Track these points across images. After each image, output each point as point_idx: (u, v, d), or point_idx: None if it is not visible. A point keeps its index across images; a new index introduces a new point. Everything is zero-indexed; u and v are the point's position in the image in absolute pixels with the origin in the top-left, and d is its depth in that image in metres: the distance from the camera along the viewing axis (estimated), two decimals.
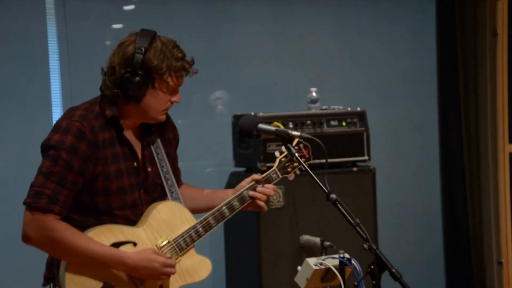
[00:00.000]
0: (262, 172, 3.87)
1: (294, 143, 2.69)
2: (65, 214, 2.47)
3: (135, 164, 2.58)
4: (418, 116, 4.83)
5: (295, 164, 2.73)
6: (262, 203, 2.67)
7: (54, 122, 4.08)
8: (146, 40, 2.51)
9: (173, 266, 2.52)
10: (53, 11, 4.12)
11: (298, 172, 2.77)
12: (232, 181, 4.20)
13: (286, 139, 2.50)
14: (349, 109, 4.12)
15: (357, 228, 2.32)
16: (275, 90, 4.54)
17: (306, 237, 3.92)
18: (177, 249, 2.58)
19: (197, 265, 2.62)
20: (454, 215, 4.76)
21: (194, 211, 2.70)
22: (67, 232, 2.44)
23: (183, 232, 2.59)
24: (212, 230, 2.63)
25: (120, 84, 2.50)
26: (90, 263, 2.46)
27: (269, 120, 3.91)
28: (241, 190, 2.67)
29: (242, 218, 3.98)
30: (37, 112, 4.08)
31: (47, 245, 2.45)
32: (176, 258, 2.58)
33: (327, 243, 3.81)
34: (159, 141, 2.66)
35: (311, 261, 2.41)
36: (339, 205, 2.36)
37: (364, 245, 2.30)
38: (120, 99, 2.52)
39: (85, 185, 2.49)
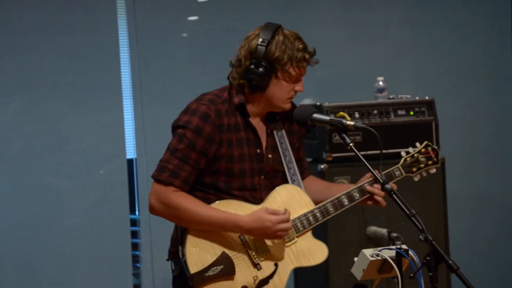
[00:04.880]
0: (328, 162, 3.93)
1: (423, 145, 2.81)
2: (187, 190, 2.64)
3: (258, 150, 2.73)
4: (493, 103, 4.70)
5: (421, 165, 2.81)
6: (379, 198, 2.74)
7: (125, 114, 4.28)
8: (269, 33, 2.66)
9: (286, 221, 2.62)
10: (124, 3, 4.22)
11: (424, 174, 2.83)
12: None
13: (341, 129, 2.48)
14: (417, 98, 4.05)
15: (413, 218, 2.27)
16: (343, 79, 4.50)
17: (373, 228, 3.88)
18: (293, 230, 2.69)
19: (313, 248, 2.73)
20: None
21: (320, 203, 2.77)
22: (184, 200, 2.61)
23: (301, 215, 2.71)
24: (329, 216, 2.74)
25: (245, 75, 2.66)
26: (207, 228, 2.61)
27: (334, 110, 3.91)
28: (362, 183, 2.75)
29: None
30: (109, 104, 4.18)
31: (167, 214, 2.63)
32: (292, 239, 2.69)
33: (394, 234, 3.75)
34: (283, 130, 2.79)
35: (367, 252, 2.38)
36: (394, 196, 2.32)
37: (420, 236, 2.25)
38: (246, 89, 2.68)
39: (209, 165, 2.65)
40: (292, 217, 2.70)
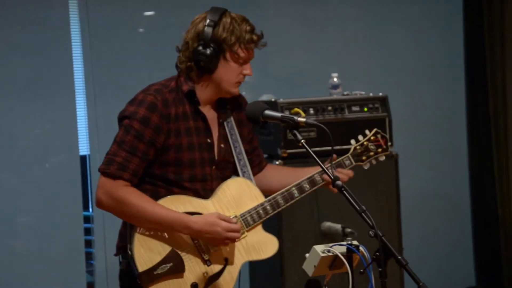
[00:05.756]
0: (283, 158, 3.93)
1: (372, 132, 2.79)
2: (136, 182, 2.59)
3: (208, 140, 2.69)
4: (445, 100, 4.76)
5: (371, 153, 2.80)
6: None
7: (78, 110, 4.22)
8: (216, 15, 2.65)
9: (237, 231, 2.62)
10: None
11: (374, 162, 2.82)
12: None
13: (292, 126, 2.48)
14: (371, 94, 4.08)
15: (363, 214, 2.28)
16: (298, 75, 4.51)
17: (327, 224, 3.90)
18: (243, 224, 2.67)
19: (263, 242, 2.72)
20: (483, 201, 4.69)
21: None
22: (134, 196, 2.57)
23: (251, 209, 2.69)
24: (280, 209, 2.73)
25: (193, 57, 2.63)
26: (155, 227, 2.58)
27: (289, 107, 3.92)
28: (313, 173, 2.75)
29: None
30: (61, 100, 4.13)
31: (115, 209, 2.59)
32: (243, 233, 2.67)
33: (348, 230, 3.78)
34: (233, 121, 2.76)
35: (319, 248, 2.39)
36: (345, 192, 2.33)
37: (370, 232, 2.26)
38: (194, 72, 2.64)
39: (157, 156, 2.61)
40: (242, 210, 2.69)
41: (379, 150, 2.82)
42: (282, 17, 4.55)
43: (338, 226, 3.84)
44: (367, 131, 2.83)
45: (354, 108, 4.03)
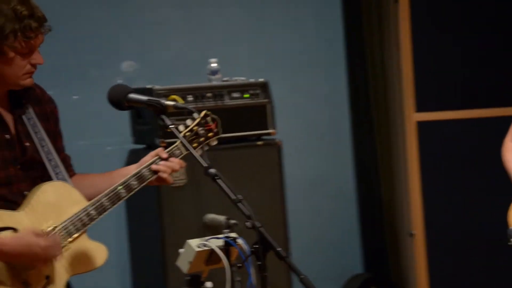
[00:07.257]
0: (163, 148, 3.73)
1: (201, 115, 2.49)
2: None
3: (6, 136, 2.31)
4: (326, 85, 4.69)
5: (201, 139, 2.49)
6: (165, 175, 2.41)
7: None
8: None
9: (57, 246, 2.26)
10: None
11: (206, 148, 2.51)
12: (132, 159, 3.98)
13: (160, 110, 2.28)
14: (251, 80, 3.96)
15: (238, 204, 2.13)
16: (175, 62, 4.32)
17: (211, 216, 3.75)
18: (66, 235, 2.30)
19: (90, 252, 2.35)
20: (367, 187, 4.67)
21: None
22: None
23: (72, 216, 2.32)
24: (106, 212, 2.35)
25: None
26: None
27: (167, 94, 3.73)
28: (140, 168, 2.40)
29: (143, 198, 3.79)
30: None
31: None
32: (65, 245, 2.30)
33: (232, 221, 3.63)
34: (35, 117, 2.38)
35: (194, 242, 2.23)
36: (219, 181, 2.17)
37: (247, 223, 2.12)
38: None
39: None
40: (62, 219, 2.32)
41: (210, 134, 2.51)
42: (159, 1, 4.34)
43: (221, 218, 3.69)
44: (195, 114, 2.50)
45: (235, 95, 3.89)
